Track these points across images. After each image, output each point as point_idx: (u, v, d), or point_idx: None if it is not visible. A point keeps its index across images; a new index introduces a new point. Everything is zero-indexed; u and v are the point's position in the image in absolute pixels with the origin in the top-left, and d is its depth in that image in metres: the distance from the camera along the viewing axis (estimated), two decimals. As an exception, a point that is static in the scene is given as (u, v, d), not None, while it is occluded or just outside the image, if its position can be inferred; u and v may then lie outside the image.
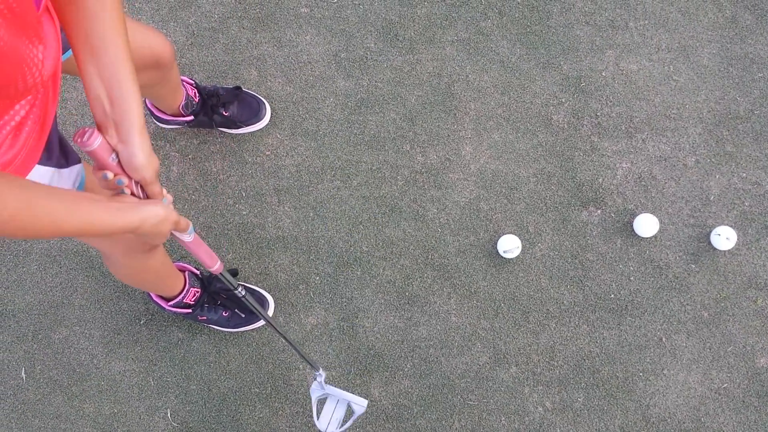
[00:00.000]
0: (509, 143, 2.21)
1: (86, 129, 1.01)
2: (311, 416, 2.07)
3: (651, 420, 2.07)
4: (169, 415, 2.12)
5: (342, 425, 1.87)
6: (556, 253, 2.15)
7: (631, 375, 2.10)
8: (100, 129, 1.03)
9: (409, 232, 2.17)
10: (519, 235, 2.14)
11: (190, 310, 2.03)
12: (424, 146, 2.21)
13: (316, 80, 2.24)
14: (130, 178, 1.05)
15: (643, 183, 2.17)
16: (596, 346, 2.11)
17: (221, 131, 2.19)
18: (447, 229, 2.16)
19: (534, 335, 2.12)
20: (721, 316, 2.11)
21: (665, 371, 2.10)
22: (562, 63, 2.25)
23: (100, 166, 1.04)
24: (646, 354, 2.10)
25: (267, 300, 2.11)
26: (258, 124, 2.18)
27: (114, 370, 2.14)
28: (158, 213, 1.07)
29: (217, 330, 2.12)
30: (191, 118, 2.08)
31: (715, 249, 2.12)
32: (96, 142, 1.00)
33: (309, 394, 1.90)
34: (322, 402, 1.87)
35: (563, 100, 2.23)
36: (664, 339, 2.11)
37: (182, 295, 1.99)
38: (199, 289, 2.03)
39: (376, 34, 2.27)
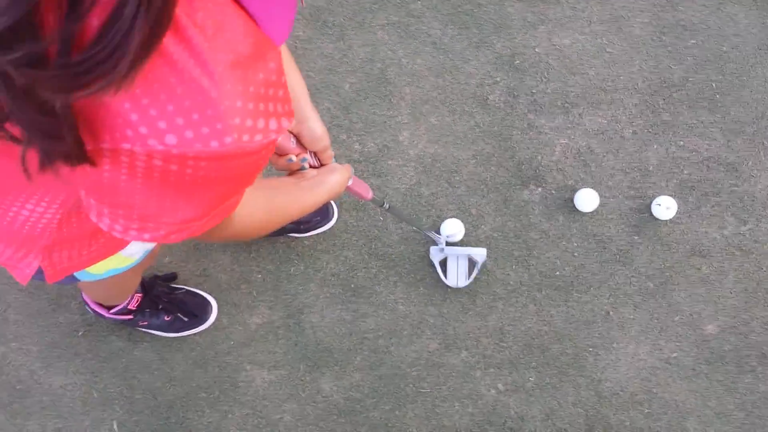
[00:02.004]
0: (447, 126, 2.18)
1: None
2: (262, 417, 2.04)
3: (603, 394, 2.07)
4: (115, 426, 2.06)
5: (469, 276, 2.07)
6: (500, 233, 2.13)
7: (580, 351, 2.09)
8: None
9: (350, 223, 2.13)
10: (462, 219, 2.12)
11: (131, 317, 1.96)
12: (360, 134, 2.17)
13: (246, 73, 2.18)
14: (307, 152, 1.14)
15: (582, 158, 2.16)
16: (545, 325, 2.10)
17: None
18: (389, 217, 2.13)
19: (482, 318, 2.10)
20: (667, 286, 2.11)
21: (614, 345, 2.09)
22: (495, 41, 2.22)
23: (282, 152, 1.11)
24: (595, 329, 2.10)
25: (210, 303, 2.06)
26: (327, 224, 2.11)
27: (55, 384, 2.07)
28: (338, 179, 1.17)
29: (159, 335, 2.06)
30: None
31: (656, 219, 2.12)
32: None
33: (431, 260, 2.09)
34: (443, 263, 2.08)
35: (498, 79, 2.20)
36: (611, 312, 2.11)
37: (126, 301, 1.91)
38: (140, 294, 1.95)
39: (303, 22, 2.22)
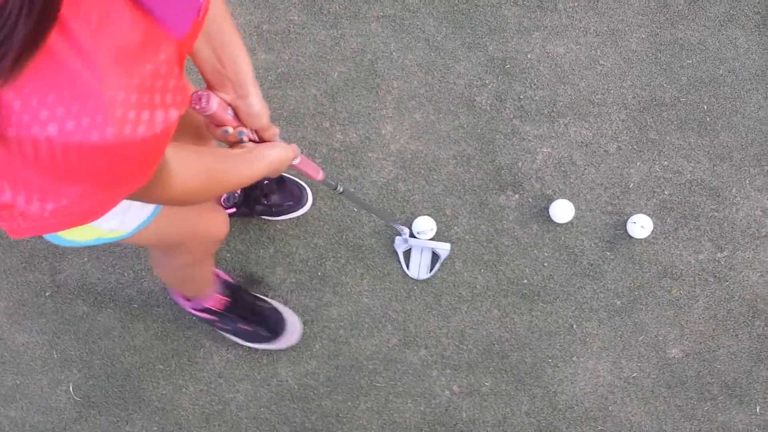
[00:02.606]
0: (430, 124, 2.17)
1: (200, 93, 1.07)
2: (215, 395, 2.06)
3: (558, 407, 2.06)
4: (71, 389, 2.09)
5: (431, 270, 2.08)
6: (472, 236, 2.12)
7: (540, 361, 2.08)
8: (212, 89, 1.09)
9: (324, 211, 2.14)
10: (435, 218, 2.11)
11: (214, 317, 1.96)
12: (344, 124, 2.17)
13: (235, 53, 2.19)
14: (246, 127, 1.14)
15: (562, 168, 2.14)
16: (506, 331, 2.09)
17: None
18: (365, 201, 2.13)
19: (445, 318, 2.10)
20: (635, 305, 2.09)
21: (574, 358, 2.08)
22: (488, 43, 2.21)
23: (219, 123, 1.11)
24: (556, 340, 2.08)
25: (285, 320, 2.02)
26: (300, 210, 2.10)
27: (17, 341, 2.11)
28: (279, 155, 1.18)
29: (234, 341, 2.06)
30: (233, 210, 2.03)
31: (631, 237, 2.10)
32: (215, 104, 1.06)
33: (395, 249, 2.11)
34: (406, 255, 2.10)
35: (487, 82, 2.19)
36: (575, 326, 2.09)
37: (206, 298, 1.91)
38: (226, 298, 1.95)
39: (300, 7, 2.22)
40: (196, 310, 1.94)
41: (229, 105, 1.12)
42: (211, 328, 2.04)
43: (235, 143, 1.16)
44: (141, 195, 0.88)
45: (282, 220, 2.11)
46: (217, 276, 1.97)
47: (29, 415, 2.09)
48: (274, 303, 2.06)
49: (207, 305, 1.93)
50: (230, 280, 2.01)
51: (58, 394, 2.09)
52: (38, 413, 2.09)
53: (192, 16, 0.73)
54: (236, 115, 1.14)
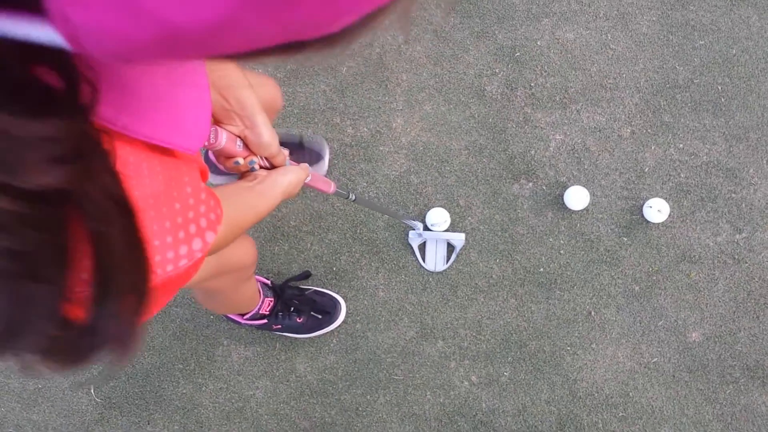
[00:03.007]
0: (441, 115, 2.16)
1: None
2: (235, 392, 2.06)
3: (578, 394, 2.05)
4: (92, 390, 2.11)
5: (447, 261, 2.08)
6: (486, 226, 2.11)
7: (558, 349, 2.07)
8: (219, 123, 1.10)
9: (337, 206, 2.14)
10: (449, 209, 2.10)
11: (265, 321, 2.00)
12: (354, 118, 2.17)
13: (244, 51, 2.19)
14: (255, 155, 1.13)
15: (576, 155, 2.13)
16: (524, 320, 2.08)
17: None
18: (377, 202, 2.13)
19: (461, 309, 2.09)
20: (653, 290, 2.07)
21: (593, 345, 2.07)
22: (496, 32, 2.19)
23: (229, 156, 1.11)
24: (575, 328, 2.07)
25: (339, 302, 2.08)
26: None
27: (39, 345, 2.12)
28: (291, 180, 1.17)
29: (293, 338, 2.08)
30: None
31: (647, 222, 2.08)
32: (224, 138, 1.06)
33: (409, 244, 2.11)
34: (421, 248, 2.10)
35: (497, 71, 2.17)
36: (593, 313, 2.07)
37: (258, 307, 1.95)
38: (272, 299, 1.99)
39: (306, 4, 2.21)
40: (251, 320, 1.97)
41: (238, 137, 1.12)
42: (254, 328, 2.07)
43: (246, 173, 1.17)
44: None
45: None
46: (259, 282, 1.99)
47: (51, 418, 2.11)
48: (315, 288, 2.09)
49: (260, 311, 1.96)
50: (267, 282, 2.02)
51: (80, 396, 2.11)
52: (60, 416, 2.11)
53: (206, 129, 0.73)
54: (245, 146, 1.14)
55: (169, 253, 0.67)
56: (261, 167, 1.17)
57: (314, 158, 2.08)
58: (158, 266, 0.66)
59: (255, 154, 1.14)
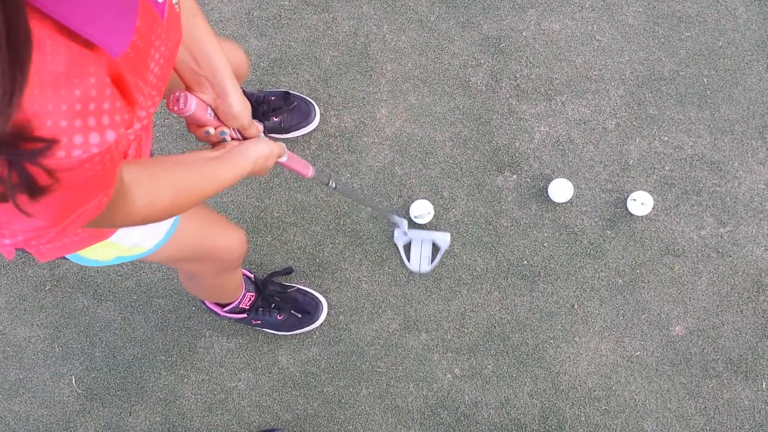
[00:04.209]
0: (426, 106, 2.15)
1: (177, 94, 1.05)
2: (217, 384, 2.06)
3: (561, 387, 2.05)
4: (74, 381, 2.10)
5: (432, 261, 2.06)
6: (470, 218, 2.10)
7: (541, 342, 2.06)
8: (190, 90, 1.08)
9: (321, 198, 2.12)
10: (433, 201, 2.09)
11: (245, 315, 1.97)
12: (338, 109, 2.15)
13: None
14: (227, 126, 1.11)
15: (560, 147, 2.12)
16: (507, 313, 2.07)
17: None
18: (360, 194, 2.12)
19: (445, 302, 2.08)
20: (636, 283, 2.07)
21: (576, 338, 2.06)
22: (482, 22, 2.17)
23: (200, 124, 1.09)
24: (558, 321, 2.07)
25: (320, 302, 2.06)
26: (308, 126, 2.10)
27: (19, 336, 2.11)
28: (263, 151, 1.14)
29: (272, 334, 2.07)
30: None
31: (631, 214, 2.07)
32: (193, 105, 1.04)
33: (394, 243, 2.09)
34: (406, 248, 2.07)
35: (482, 62, 2.16)
36: (576, 306, 2.07)
37: (238, 300, 1.92)
38: (253, 293, 1.97)
39: (290, -7, 2.19)
40: (230, 313, 1.95)
41: (209, 105, 1.10)
42: (235, 322, 2.05)
43: (217, 143, 1.14)
44: (103, 221, 0.86)
45: (291, 137, 2.10)
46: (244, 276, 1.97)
47: (33, 408, 2.10)
48: (299, 286, 2.07)
49: (240, 305, 1.94)
50: (250, 275, 2.00)
51: (61, 387, 2.10)
52: (42, 407, 2.10)
53: (128, 37, 0.71)
54: (216, 116, 1.12)
55: (63, 137, 0.65)
56: (233, 138, 1.15)
57: (302, 119, 2.07)
58: (54, 148, 0.65)
59: (226, 125, 1.13)
